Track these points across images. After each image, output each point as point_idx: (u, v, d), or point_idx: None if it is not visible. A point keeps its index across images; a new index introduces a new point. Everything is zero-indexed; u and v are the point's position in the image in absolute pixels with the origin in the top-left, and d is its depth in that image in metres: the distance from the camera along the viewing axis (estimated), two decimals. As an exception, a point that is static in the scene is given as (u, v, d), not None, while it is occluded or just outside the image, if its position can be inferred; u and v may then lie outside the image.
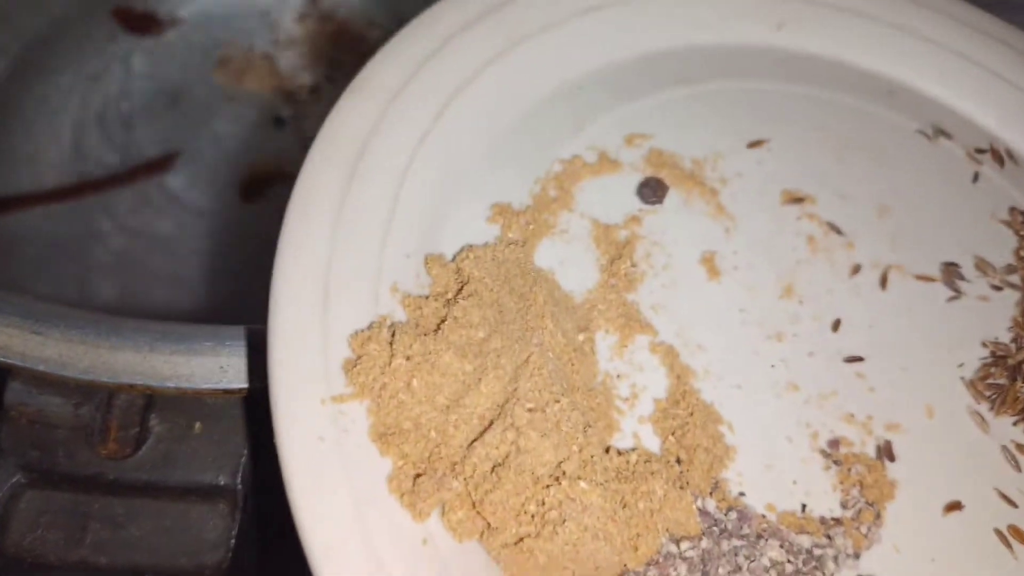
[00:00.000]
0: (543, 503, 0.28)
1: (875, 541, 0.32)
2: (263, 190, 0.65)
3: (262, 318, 0.34)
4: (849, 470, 0.34)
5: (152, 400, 0.32)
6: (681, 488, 0.30)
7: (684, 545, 0.30)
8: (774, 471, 0.33)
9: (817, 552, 0.31)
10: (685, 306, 0.36)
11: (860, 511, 0.33)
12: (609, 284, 0.36)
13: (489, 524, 0.28)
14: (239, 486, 0.32)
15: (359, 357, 0.30)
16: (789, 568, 0.30)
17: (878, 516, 0.33)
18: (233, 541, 0.32)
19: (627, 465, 0.31)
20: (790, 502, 0.33)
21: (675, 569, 0.29)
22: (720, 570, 0.29)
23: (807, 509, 0.33)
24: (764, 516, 0.32)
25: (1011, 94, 0.44)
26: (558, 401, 0.30)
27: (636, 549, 0.29)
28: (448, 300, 0.33)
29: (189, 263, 0.61)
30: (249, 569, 0.34)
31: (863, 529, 0.32)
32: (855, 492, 0.33)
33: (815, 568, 0.30)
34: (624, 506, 0.29)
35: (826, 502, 0.33)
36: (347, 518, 0.27)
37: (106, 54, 0.68)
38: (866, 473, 0.33)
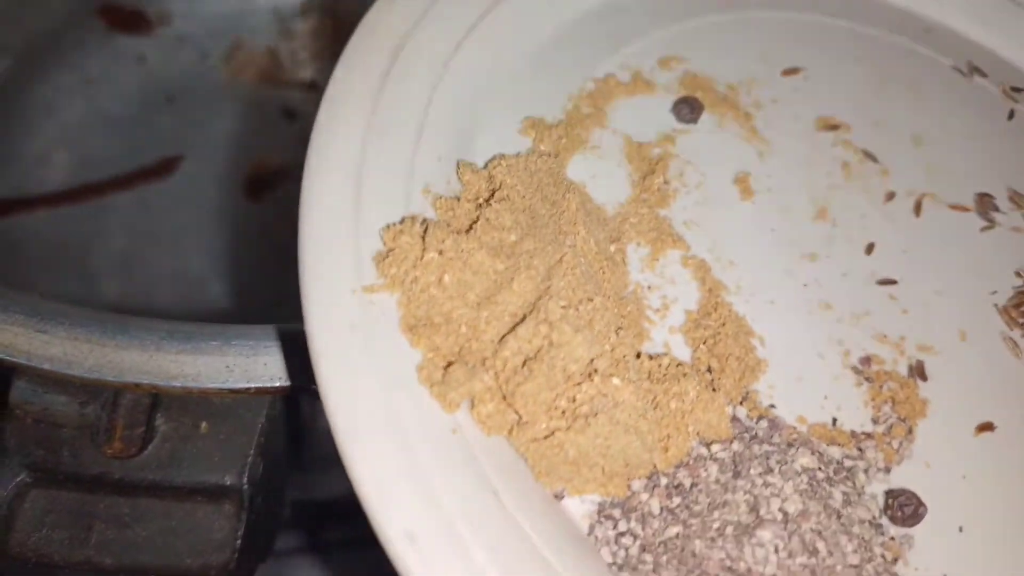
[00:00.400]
0: (574, 399, 0.28)
1: (906, 456, 0.32)
2: (268, 187, 0.64)
3: (269, 317, 0.35)
4: (881, 387, 0.33)
5: (158, 399, 0.32)
6: (714, 391, 0.30)
7: (715, 448, 0.29)
8: (805, 385, 0.33)
9: (848, 463, 0.31)
10: (717, 224, 0.36)
11: (891, 426, 0.32)
12: (641, 199, 0.35)
13: (520, 418, 0.28)
14: (245, 486, 0.32)
15: (391, 250, 0.30)
16: (820, 475, 0.29)
17: (909, 432, 0.32)
18: (239, 542, 0.31)
19: (659, 368, 0.30)
20: (821, 415, 0.32)
21: (705, 469, 0.28)
22: (752, 471, 0.28)
23: (838, 423, 0.32)
24: (795, 427, 0.31)
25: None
26: (591, 300, 0.30)
27: (667, 450, 0.29)
28: (480, 204, 0.32)
29: (194, 262, 0.61)
30: (255, 570, 0.35)
31: (894, 444, 0.32)
32: (887, 408, 0.33)
33: (846, 478, 0.30)
34: (656, 406, 0.29)
35: (857, 417, 0.33)
36: (376, 403, 0.27)
37: (106, 53, 0.67)
38: (898, 390, 0.33)
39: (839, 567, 0.27)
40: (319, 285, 0.28)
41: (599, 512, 0.29)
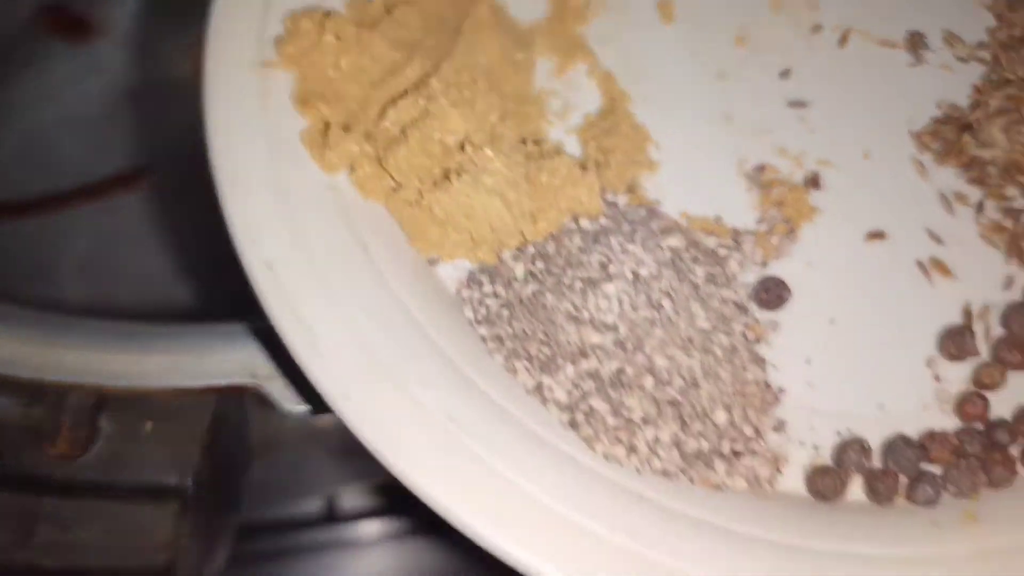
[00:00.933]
0: (447, 167, 0.30)
1: (785, 254, 0.33)
2: None
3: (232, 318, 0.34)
4: (771, 192, 0.34)
5: (103, 400, 0.32)
6: (585, 168, 0.31)
7: (584, 222, 0.31)
8: (695, 186, 0.34)
9: (722, 252, 0.32)
10: (632, 42, 0.37)
11: (774, 226, 0.33)
12: (559, 16, 0.37)
13: (395, 182, 0.30)
14: (190, 486, 0.31)
15: (291, 33, 0.32)
16: (687, 255, 0.31)
17: (792, 232, 0.34)
18: (182, 542, 0.31)
19: (538, 151, 0.32)
20: (705, 212, 0.34)
21: (570, 239, 0.30)
22: (612, 240, 0.30)
23: (721, 220, 0.34)
24: (676, 220, 0.33)
25: None
26: (476, 82, 0.31)
27: (536, 221, 0.31)
28: (391, 7, 0.34)
29: (157, 262, 0.59)
30: (198, 570, 0.34)
31: (774, 241, 0.33)
32: (773, 212, 0.34)
33: (715, 263, 0.31)
34: (528, 181, 0.31)
35: (742, 217, 0.34)
36: (259, 153, 0.29)
37: (67, 59, 0.64)
38: (787, 194, 0.34)
39: (683, 325, 0.29)
40: (220, 60, 0.31)
41: (469, 278, 0.31)
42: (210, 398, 0.32)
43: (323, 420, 0.35)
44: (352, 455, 0.47)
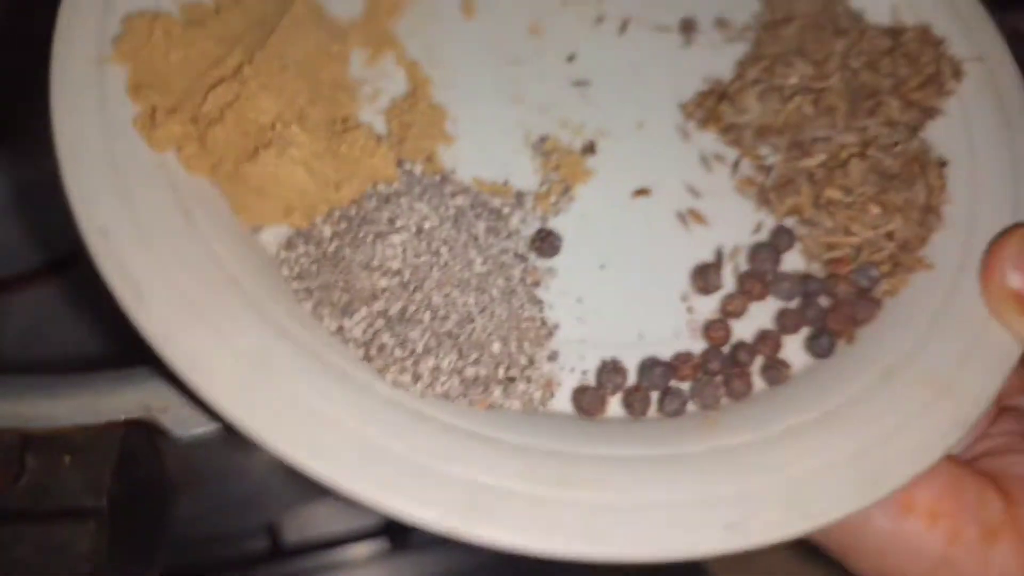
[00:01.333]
0: (258, 143, 0.35)
1: (563, 211, 0.39)
2: None
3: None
4: (550, 157, 0.40)
5: (27, 440, 0.38)
6: (380, 140, 0.37)
7: (380, 187, 0.37)
8: (486, 157, 0.40)
9: (505, 211, 0.38)
10: (437, 35, 0.43)
11: (552, 186, 0.40)
12: (372, 14, 0.43)
13: (216, 159, 0.35)
14: (104, 506, 0.37)
15: (126, 31, 0.37)
16: (470, 213, 0.37)
17: (567, 191, 0.40)
18: (102, 554, 0.36)
19: (344, 128, 0.38)
20: (494, 178, 0.40)
21: (368, 201, 0.36)
22: (403, 200, 0.36)
23: (508, 184, 0.40)
24: (467, 185, 0.39)
25: None
26: (286, 69, 0.37)
27: (339, 189, 0.36)
28: (218, 8, 0.39)
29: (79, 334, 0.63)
30: None
31: (552, 199, 0.39)
32: (553, 174, 0.40)
33: (496, 218, 0.37)
34: (331, 153, 0.36)
35: (526, 181, 0.40)
36: (96, 137, 0.34)
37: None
38: (565, 158, 0.40)
39: (458, 269, 0.35)
40: (65, 55, 0.36)
41: (287, 242, 0.36)
42: (116, 431, 0.38)
43: (261, 456, 0.39)
44: (275, 482, 0.53)
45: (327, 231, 0.35)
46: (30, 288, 0.65)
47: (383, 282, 0.33)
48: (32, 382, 0.39)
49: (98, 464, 0.38)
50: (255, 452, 0.42)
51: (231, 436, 0.34)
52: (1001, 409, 0.39)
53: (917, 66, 0.43)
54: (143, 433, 0.39)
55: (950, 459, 0.36)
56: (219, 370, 0.31)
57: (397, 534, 0.63)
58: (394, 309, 0.33)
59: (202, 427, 0.38)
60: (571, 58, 0.43)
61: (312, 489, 0.41)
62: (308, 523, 0.66)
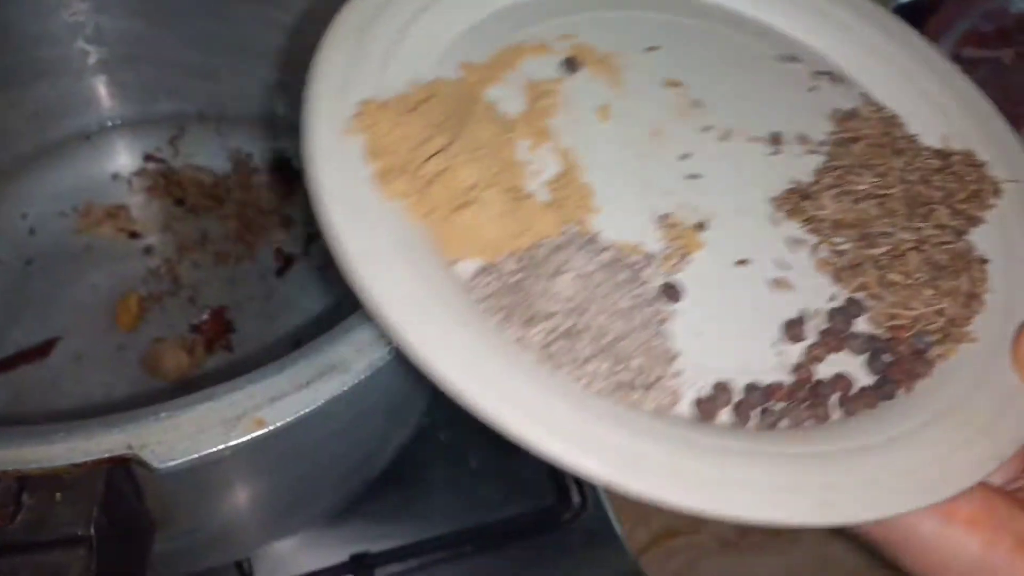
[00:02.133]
0: (463, 201, 0.47)
1: (682, 270, 0.51)
2: (139, 317, 0.77)
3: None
4: (672, 231, 0.52)
5: (24, 481, 0.41)
6: (547, 208, 0.49)
7: (547, 239, 0.48)
8: (624, 225, 0.52)
9: (638, 266, 0.49)
10: (582, 132, 0.55)
11: (673, 251, 0.51)
12: (531, 112, 0.55)
13: (430, 208, 0.47)
14: (92, 534, 0.40)
15: (360, 112, 0.49)
16: (616, 266, 0.48)
17: (685, 256, 0.51)
18: (91, 573, 0.40)
19: (520, 195, 0.49)
20: (629, 240, 0.51)
21: (539, 250, 0.47)
22: (563, 251, 0.47)
23: (640, 246, 0.51)
24: (609, 244, 0.50)
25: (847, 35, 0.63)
26: (479, 148, 0.49)
27: (519, 238, 0.48)
28: (420, 101, 0.52)
29: (76, 402, 0.70)
30: None
31: (673, 261, 0.51)
32: (674, 243, 0.52)
33: (634, 270, 0.49)
34: (513, 214, 0.48)
35: (654, 245, 0.51)
36: (345, 186, 0.46)
37: None
38: (682, 234, 0.52)
39: (609, 302, 0.46)
40: (317, 127, 0.48)
41: (477, 271, 0.47)
42: (101, 468, 0.42)
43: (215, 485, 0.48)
44: (251, 519, 0.61)
45: (511, 265, 0.46)
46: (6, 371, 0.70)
47: (555, 307, 0.44)
48: (28, 431, 0.43)
49: (86, 498, 0.41)
50: (227, 490, 0.53)
51: (204, 470, 0.41)
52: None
53: (963, 183, 0.55)
54: (125, 469, 0.43)
55: (984, 484, 0.46)
56: (454, 357, 0.41)
57: (363, 570, 0.69)
58: (564, 326, 0.44)
59: (177, 459, 0.43)
60: (685, 156, 0.55)
61: (282, 526, 0.49)
62: (278, 560, 0.73)
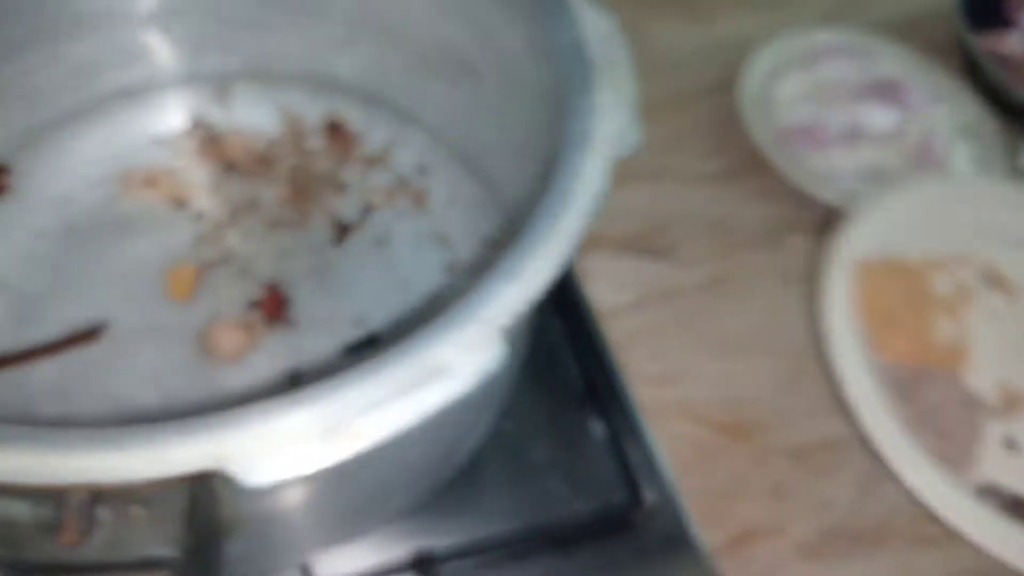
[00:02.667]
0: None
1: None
2: (191, 286, 0.70)
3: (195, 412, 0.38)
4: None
5: (98, 494, 0.37)
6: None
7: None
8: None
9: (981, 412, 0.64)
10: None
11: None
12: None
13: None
14: (179, 556, 0.37)
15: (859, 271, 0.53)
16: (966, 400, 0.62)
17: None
18: None
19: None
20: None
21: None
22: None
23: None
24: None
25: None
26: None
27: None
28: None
29: (122, 379, 0.63)
30: None
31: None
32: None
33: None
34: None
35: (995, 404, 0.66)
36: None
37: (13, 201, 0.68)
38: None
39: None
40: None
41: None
42: (185, 482, 0.38)
43: (290, 492, 0.44)
44: (321, 523, 0.57)
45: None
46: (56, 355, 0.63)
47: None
48: (100, 435, 0.38)
49: (169, 515, 0.37)
50: (300, 497, 0.48)
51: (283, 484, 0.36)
52: None
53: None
54: (208, 480, 0.39)
55: None
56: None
57: (427, 566, 0.67)
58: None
59: (268, 476, 0.36)
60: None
61: (349, 531, 0.49)
62: (336, 554, 0.74)
